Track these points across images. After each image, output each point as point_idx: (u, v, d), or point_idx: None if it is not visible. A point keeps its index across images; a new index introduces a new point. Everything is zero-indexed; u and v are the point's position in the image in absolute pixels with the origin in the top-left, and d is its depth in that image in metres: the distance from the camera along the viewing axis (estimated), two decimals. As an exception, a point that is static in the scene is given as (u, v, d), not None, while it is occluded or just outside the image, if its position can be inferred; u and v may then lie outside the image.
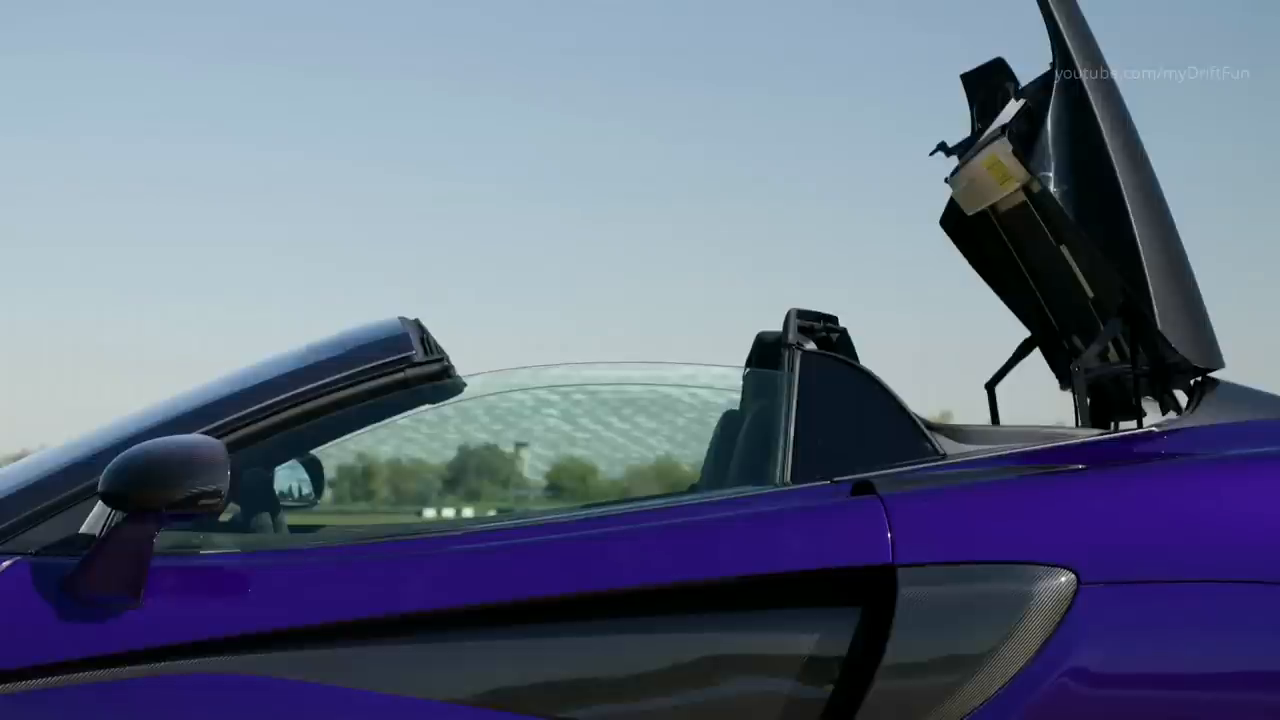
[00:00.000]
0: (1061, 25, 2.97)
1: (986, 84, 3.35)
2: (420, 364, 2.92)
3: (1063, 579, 2.49)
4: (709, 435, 3.40)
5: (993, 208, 3.26)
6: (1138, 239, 2.90)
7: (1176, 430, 2.87)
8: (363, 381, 2.86)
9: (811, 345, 2.99)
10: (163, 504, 2.46)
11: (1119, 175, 2.91)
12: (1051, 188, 2.95)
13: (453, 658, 2.52)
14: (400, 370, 2.89)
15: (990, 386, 3.64)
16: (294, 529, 3.37)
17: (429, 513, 4.50)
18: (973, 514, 2.58)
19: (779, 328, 3.15)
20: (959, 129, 3.38)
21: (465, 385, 3.26)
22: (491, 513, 4.04)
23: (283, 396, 2.80)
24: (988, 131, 3.14)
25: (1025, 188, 3.09)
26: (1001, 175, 3.07)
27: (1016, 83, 3.23)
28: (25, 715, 2.44)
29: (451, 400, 3.17)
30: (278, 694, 2.46)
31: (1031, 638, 2.45)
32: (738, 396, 3.30)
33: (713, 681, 2.53)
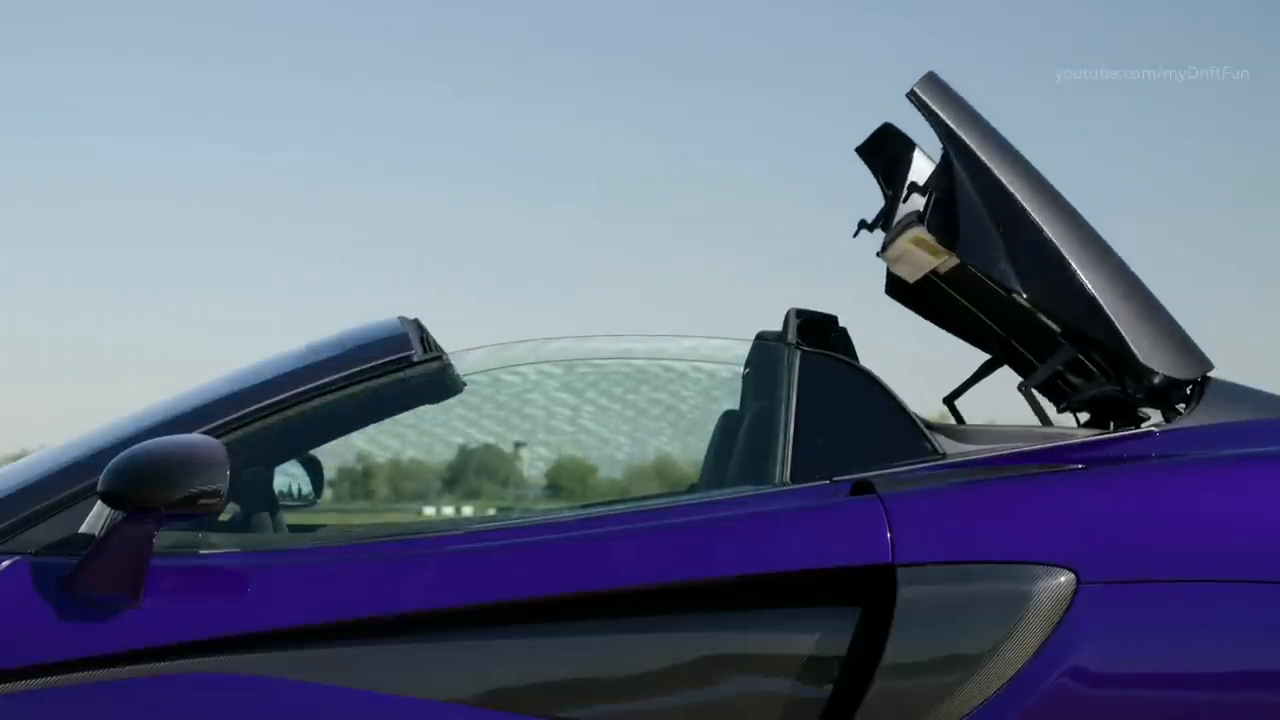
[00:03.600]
0: (946, 116, 2.92)
1: (883, 152, 3.34)
2: (420, 364, 2.92)
3: (1062, 579, 2.49)
4: (713, 408, 3.41)
5: (934, 271, 3.25)
6: (1090, 287, 2.86)
7: (1176, 430, 2.86)
8: (363, 381, 2.86)
9: (811, 345, 2.99)
10: (162, 504, 2.46)
11: (1047, 231, 2.87)
12: (983, 266, 2.92)
13: (453, 658, 2.52)
14: (400, 370, 2.90)
15: (949, 401, 3.63)
16: (294, 529, 3.38)
17: (429, 511, 4.50)
18: (972, 514, 2.58)
19: (779, 328, 3.15)
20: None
21: (465, 384, 3.26)
22: (492, 511, 4.05)
23: (283, 396, 2.80)
24: (902, 217, 3.09)
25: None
26: (930, 249, 3.05)
27: (910, 142, 3.18)
28: (25, 715, 2.44)
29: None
30: (278, 694, 2.47)
31: (1031, 638, 2.46)
32: (739, 368, 3.30)
33: (713, 681, 2.53)
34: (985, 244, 2.89)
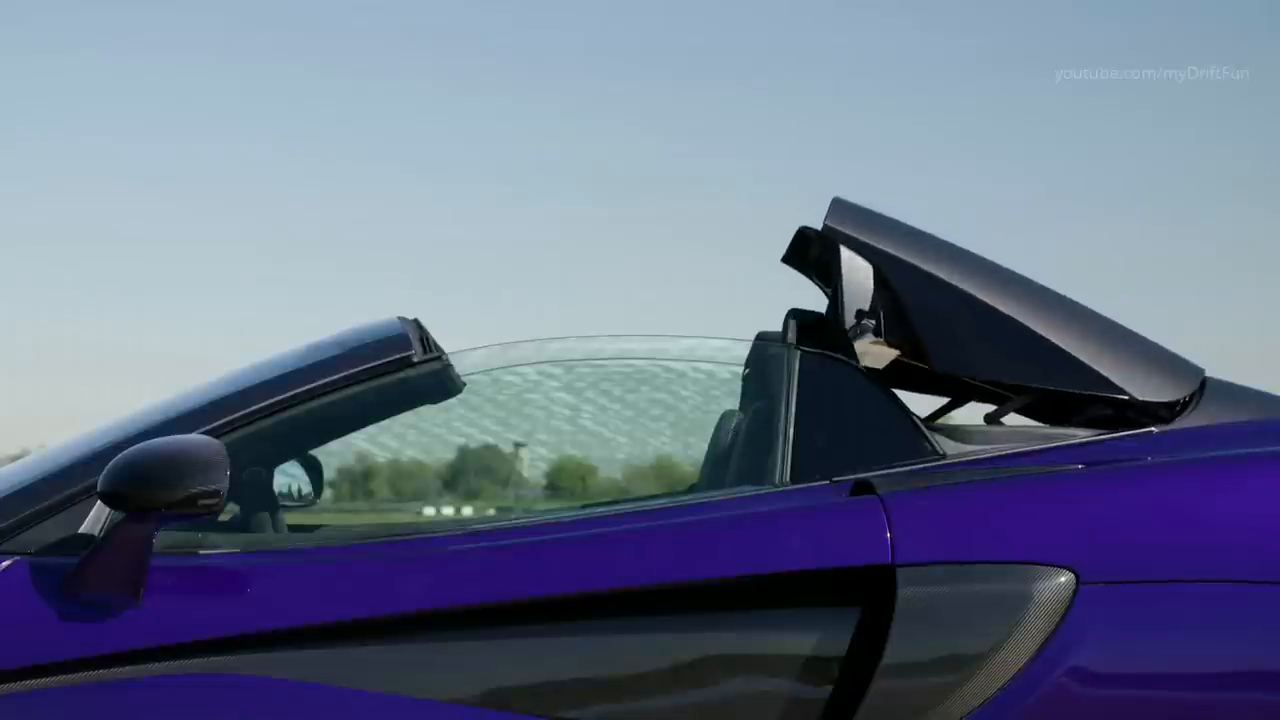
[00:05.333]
0: (865, 236, 2.92)
1: (808, 254, 3.29)
2: (420, 364, 2.92)
3: (1063, 579, 2.49)
4: (713, 408, 3.41)
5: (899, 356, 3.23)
6: (1068, 349, 2.86)
7: (1176, 430, 2.86)
8: (363, 381, 2.86)
9: (811, 346, 2.99)
10: (162, 504, 2.46)
11: (1003, 310, 2.87)
12: (959, 369, 2.93)
13: (453, 658, 2.52)
14: (400, 370, 2.90)
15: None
16: (294, 529, 3.38)
17: (429, 511, 4.50)
18: (973, 514, 2.58)
19: (779, 328, 3.15)
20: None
21: (465, 384, 3.26)
22: (492, 512, 4.04)
23: (283, 396, 2.80)
24: (854, 323, 2.98)
25: None
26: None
27: (824, 237, 3.07)
28: (25, 715, 2.44)
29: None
30: (278, 694, 2.47)
31: (1031, 638, 2.46)
32: (739, 368, 3.30)
33: (713, 681, 2.53)
34: (952, 348, 2.89)
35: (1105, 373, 2.86)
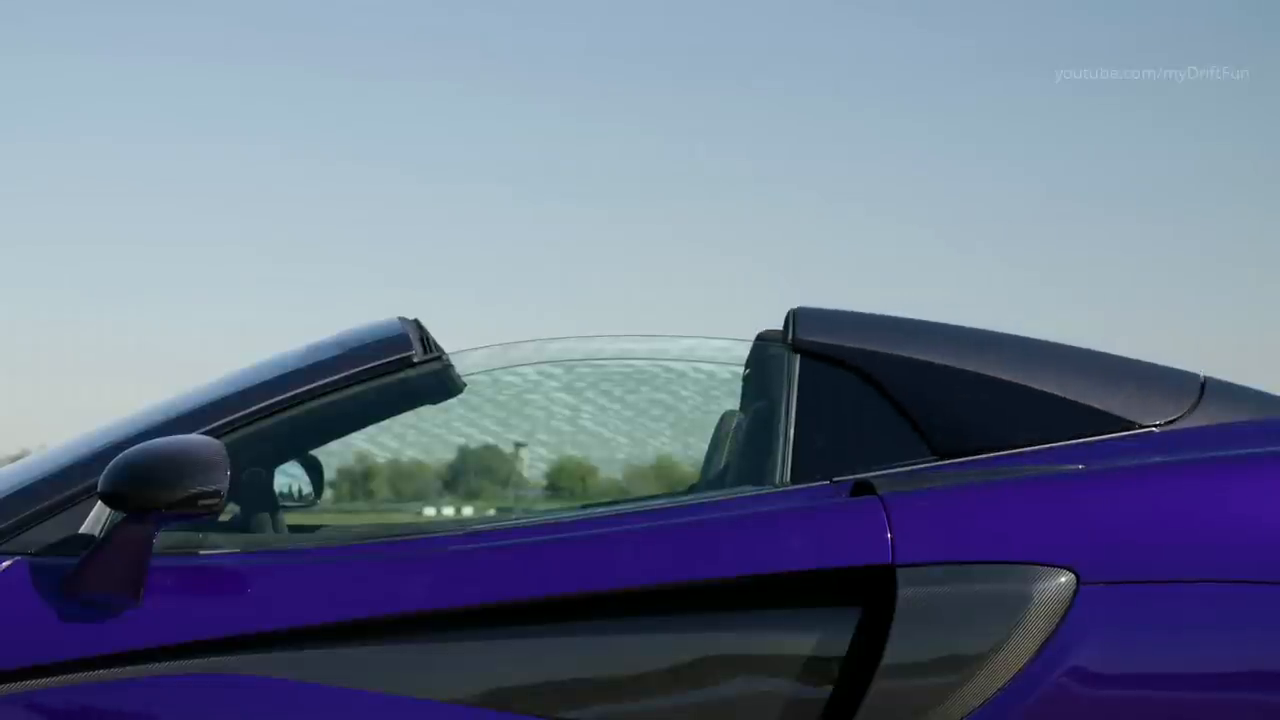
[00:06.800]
0: (840, 340, 2.91)
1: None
2: (420, 364, 2.92)
3: (1063, 579, 2.49)
4: (713, 408, 3.40)
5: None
6: (1071, 395, 2.84)
7: (1176, 430, 2.86)
8: (363, 382, 2.86)
9: (812, 346, 2.99)
10: (162, 504, 2.46)
11: (1002, 376, 2.85)
12: (970, 446, 2.86)
13: (453, 658, 2.52)
14: (400, 370, 2.90)
15: None
16: (294, 529, 3.38)
17: (429, 512, 4.50)
18: (973, 514, 2.58)
19: (779, 327, 3.15)
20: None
21: (465, 384, 3.26)
22: (492, 512, 4.04)
23: (283, 396, 2.80)
24: None
25: None
26: None
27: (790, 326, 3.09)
28: (25, 715, 2.44)
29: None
30: (278, 694, 2.47)
31: (1031, 638, 2.46)
32: (739, 368, 3.30)
33: (713, 681, 2.53)
34: (951, 426, 2.84)
35: (1107, 409, 2.84)
